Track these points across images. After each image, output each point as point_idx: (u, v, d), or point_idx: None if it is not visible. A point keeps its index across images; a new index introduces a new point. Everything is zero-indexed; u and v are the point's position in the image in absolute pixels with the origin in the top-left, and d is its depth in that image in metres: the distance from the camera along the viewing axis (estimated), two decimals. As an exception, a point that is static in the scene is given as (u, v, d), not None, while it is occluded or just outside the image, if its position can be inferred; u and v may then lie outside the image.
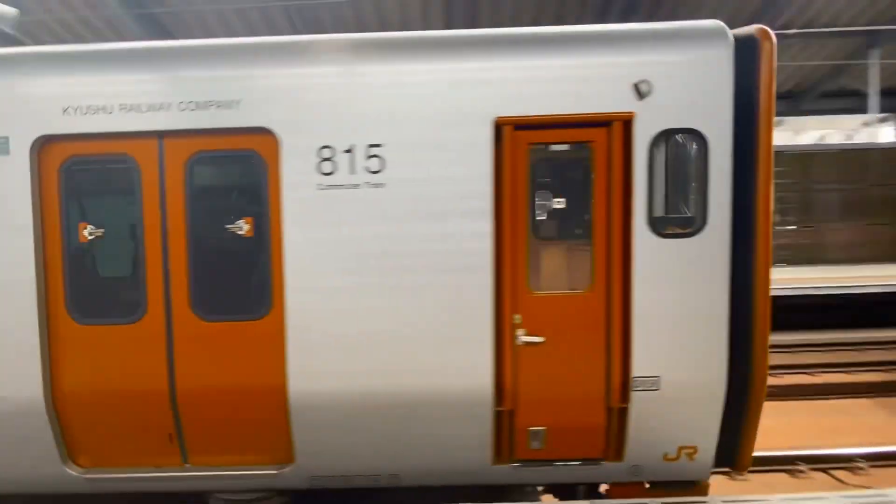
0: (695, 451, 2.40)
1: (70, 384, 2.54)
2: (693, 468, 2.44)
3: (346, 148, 2.37)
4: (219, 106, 2.38)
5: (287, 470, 2.58)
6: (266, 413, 2.50)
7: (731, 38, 2.32)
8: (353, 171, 2.38)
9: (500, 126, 2.34)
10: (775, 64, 2.27)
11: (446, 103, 2.38)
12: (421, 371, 2.45)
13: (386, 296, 2.43)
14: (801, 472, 4.19)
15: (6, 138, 2.35)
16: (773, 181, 2.26)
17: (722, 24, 2.40)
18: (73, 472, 2.60)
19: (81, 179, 2.59)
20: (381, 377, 2.47)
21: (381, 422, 2.50)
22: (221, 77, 2.42)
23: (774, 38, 2.29)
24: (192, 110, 2.38)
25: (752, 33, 2.31)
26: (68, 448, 2.60)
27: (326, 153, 2.38)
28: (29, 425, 2.48)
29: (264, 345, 2.47)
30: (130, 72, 2.49)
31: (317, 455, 2.58)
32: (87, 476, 2.62)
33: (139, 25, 10.04)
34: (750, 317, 2.25)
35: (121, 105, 2.38)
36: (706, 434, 2.36)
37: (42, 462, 2.58)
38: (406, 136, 2.38)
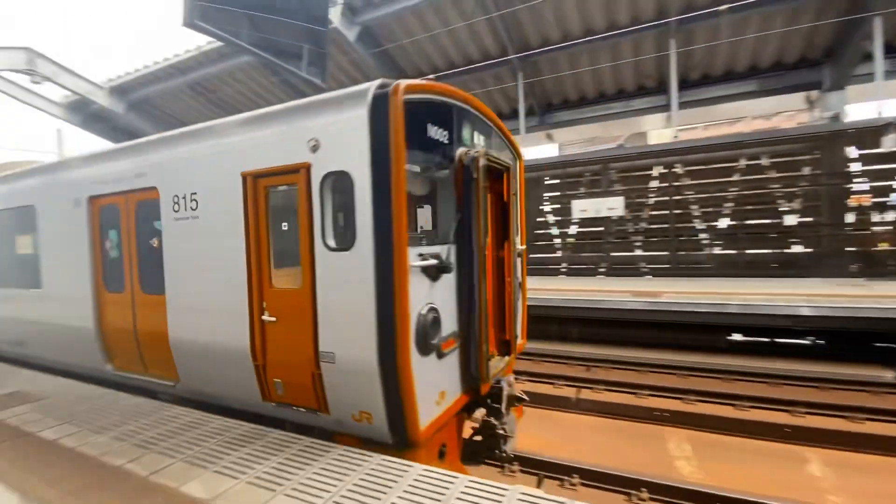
0: (371, 417, 3.03)
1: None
2: (375, 430, 3.06)
3: (183, 195, 3.85)
4: (137, 175, 4.24)
5: (178, 385, 4.17)
6: (164, 350, 4.09)
7: (370, 98, 2.92)
8: (185, 209, 3.84)
9: (245, 177, 3.46)
10: (401, 114, 2.83)
11: (220, 165, 3.62)
12: (223, 333, 3.65)
13: (203, 283, 3.80)
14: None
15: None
16: (405, 208, 2.87)
17: (372, 85, 2.98)
18: (111, 370, 4.71)
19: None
20: (208, 334, 3.76)
21: (211, 363, 3.80)
22: (138, 162, 4.30)
23: (402, 93, 2.86)
24: (134, 178, 4.29)
25: (387, 90, 2.90)
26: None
27: (175, 199, 3.89)
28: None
29: (160, 309, 4.04)
30: (113, 160, 4.62)
31: (185, 378, 4.08)
32: (117, 373, 4.68)
33: (376, 61, 11.91)
34: (391, 314, 2.84)
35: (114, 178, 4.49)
36: (375, 403, 2.97)
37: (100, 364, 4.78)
38: (206, 187, 3.72)
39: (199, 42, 12.81)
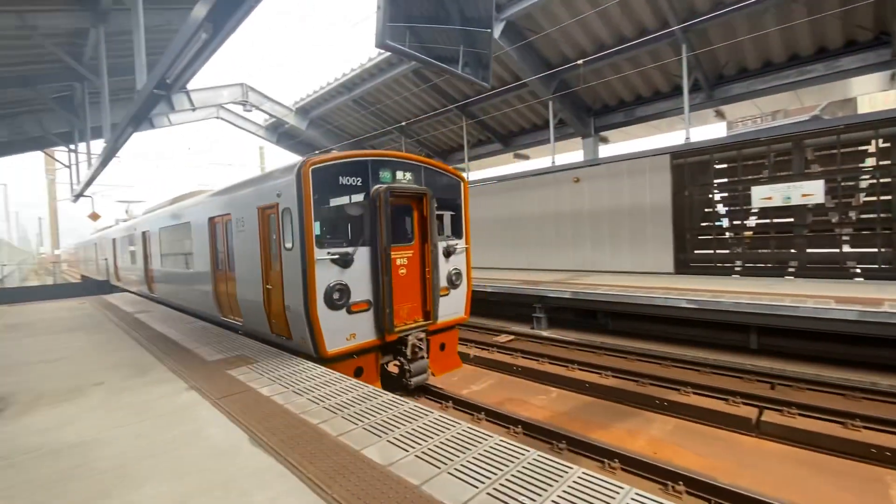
0: (306, 341, 5.15)
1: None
2: (308, 349, 5.23)
3: (237, 218, 6.58)
4: (223, 207, 7.17)
5: (243, 324, 6.80)
6: (236, 304, 6.91)
7: (296, 169, 5.06)
8: (239, 226, 6.51)
9: (257, 209, 5.91)
10: (308, 178, 4.98)
11: (249, 202, 6.11)
12: (253, 294, 6.12)
13: (245, 267, 6.35)
14: None
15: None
16: (312, 227, 4.96)
17: (299, 161, 5.21)
18: (219, 316, 7.69)
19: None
20: (248, 295, 6.35)
21: (250, 310, 6.36)
22: (225, 200, 7.15)
23: (309, 166, 5.01)
24: (222, 208, 7.23)
25: (301, 165, 5.06)
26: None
27: (236, 220, 6.62)
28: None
29: (233, 281, 6.86)
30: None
31: (244, 319, 6.75)
32: (222, 319, 7.54)
33: (518, 54, 11.69)
34: (307, 285, 5.04)
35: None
36: (305, 333, 5.14)
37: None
38: (244, 214, 6.32)
39: (361, 60, 14.51)
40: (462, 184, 7.09)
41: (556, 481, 2.41)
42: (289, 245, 5.24)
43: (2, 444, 3.26)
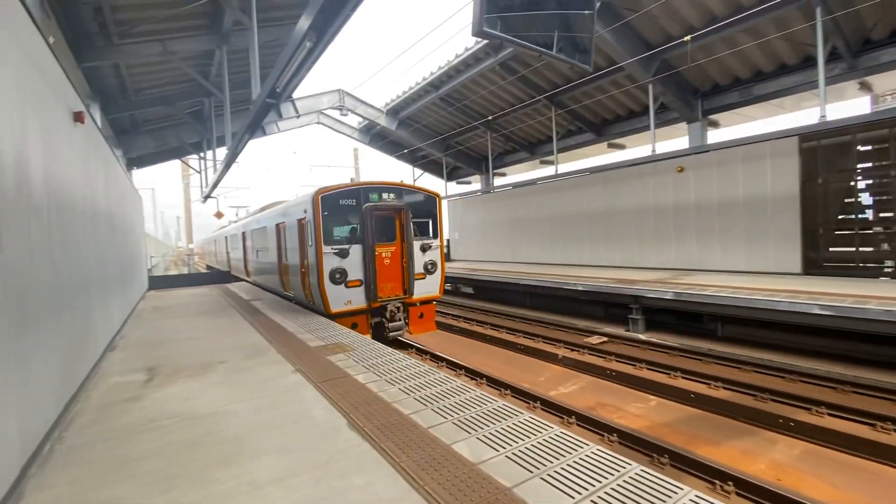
0: (321, 305, 8.25)
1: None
2: (321, 310, 8.38)
3: (289, 225, 9.85)
4: (282, 215, 10.62)
5: (293, 297, 10.04)
6: (288, 284, 10.50)
7: (312, 196, 8.18)
8: (289, 230, 9.80)
9: (298, 221, 9.13)
10: (319, 201, 8.00)
11: (294, 215, 9.31)
12: (295, 276, 9.43)
13: (292, 258, 9.67)
14: None
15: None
16: (321, 233, 8.04)
17: (314, 190, 8.35)
18: (282, 291, 11.07)
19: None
20: (293, 277, 9.72)
21: (294, 288, 9.79)
22: (283, 209, 10.63)
23: (319, 194, 8.04)
24: (282, 216, 10.48)
25: (314, 194, 8.14)
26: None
27: (288, 226, 9.82)
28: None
29: (287, 268, 10.24)
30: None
31: (293, 294, 10.08)
32: (284, 293, 10.95)
33: (614, 36, 10.74)
34: (319, 269, 8.10)
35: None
36: (319, 300, 8.31)
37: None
38: (292, 223, 9.52)
39: (448, 57, 14.64)
40: (437, 199, 9.67)
41: (664, 502, 2.19)
42: (310, 243, 8.30)
43: (152, 408, 3.84)
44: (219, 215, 24.48)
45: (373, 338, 7.47)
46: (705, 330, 9.04)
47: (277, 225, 10.70)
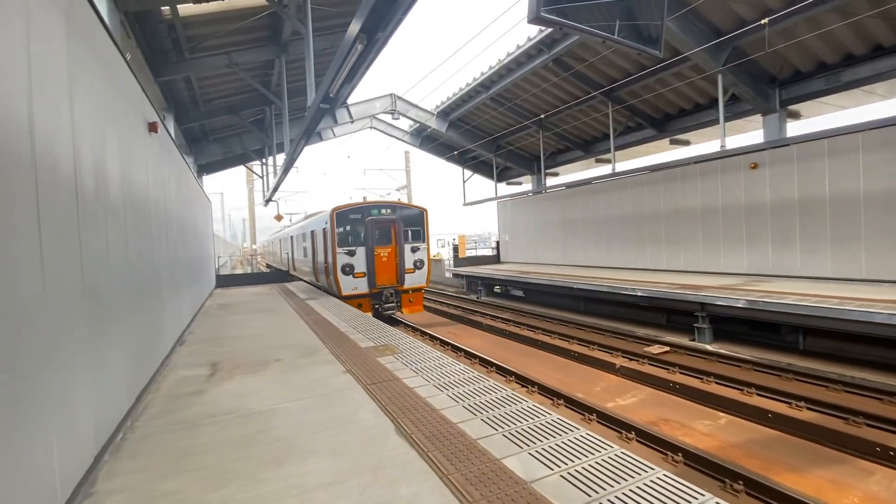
0: (337, 289, 11.73)
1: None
2: (336, 294, 11.96)
3: (321, 230, 12.85)
4: (319, 223, 13.46)
5: (319, 286, 13.95)
6: (321, 276, 13.41)
7: (329, 212, 11.85)
8: (323, 235, 12.70)
9: (322, 229, 12.81)
10: (334, 216, 11.61)
11: (322, 225, 12.76)
12: (326, 269, 12.35)
13: (323, 257, 12.64)
14: None
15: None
16: (336, 239, 11.69)
17: (330, 207, 12.27)
18: (314, 282, 14.77)
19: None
20: (324, 270, 12.70)
21: (325, 279, 12.63)
22: (322, 218, 13.17)
23: (335, 211, 11.67)
24: (318, 223, 13.60)
25: (331, 211, 11.82)
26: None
27: (322, 231, 12.81)
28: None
29: (320, 265, 13.29)
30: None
31: (322, 284, 13.40)
32: (317, 284, 14.53)
33: (678, 25, 10.24)
34: (334, 264, 11.76)
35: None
36: (334, 286, 12.00)
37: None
38: (320, 230, 12.90)
39: (499, 57, 14.45)
40: (424, 213, 12.74)
41: (747, 543, 1.91)
42: (329, 246, 11.69)
43: (212, 402, 4.01)
44: (278, 218, 25.79)
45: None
46: (784, 342, 8.20)
47: (313, 231, 14.17)
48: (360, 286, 11.45)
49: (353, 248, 11.43)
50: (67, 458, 2.35)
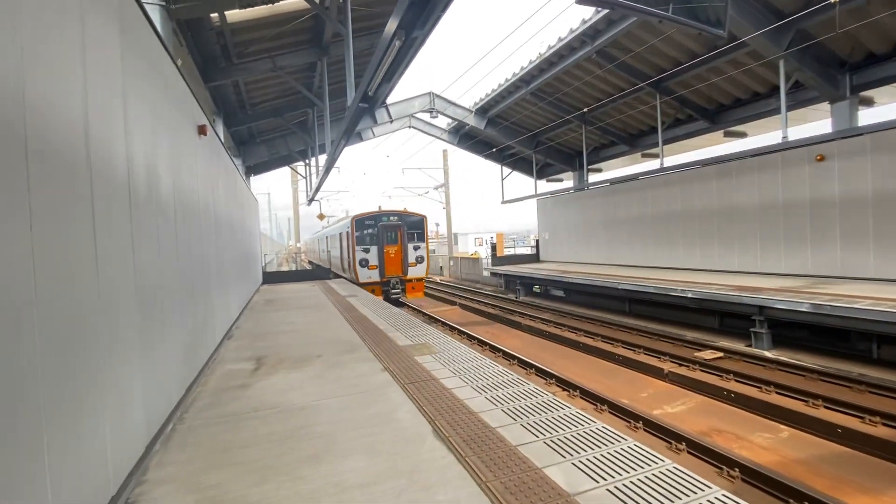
0: (354, 278, 16.47)
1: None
2: (354, 282, 16.42)
3: (343, 233, 17.94)
4: (344, 227, 18.37)
5: (339, 275, 19.07)
6: (342, 269, 19.00)
7: (350, 219, 16.94)
8: (345, 238, 17.37)
9: (345, 232, 17.44)
10: (353, 222, 16.28)
11: (344, 230, 17.92)
12: (348, 262, 17.19)
13: (345, 253, 17.90)
14: None
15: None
16: (354, 241, 16.40)
17: (350, 214, 19.27)
18: (339, 272, 19.40)
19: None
20: (346, 263, 17.68)
21: (346, 271, 17.92)
22: (346, 222, 18.00)
23: (354, 218, 16.47)
24: (343, 226, 18.75)
25: (351, 218, 16.95)
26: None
27: (344, 234, 17.60)
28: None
29: (344, 261, 18.14)
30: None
31: (342, 273, 18.84)
32: (340, 275, 18.92)
33: (734, 7, 11.19)
34: (352, 259, 16.57)
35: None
36: (353, 275, 16.70)
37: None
38: (344, 234, 17.94)
39: (540, 50, 14.09)
40: (424, 219, 16.84)
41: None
42: (350, 245, 15.88)
43: (256, 397, 4.12)
44: (321, 217, 26.54)
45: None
46: (855, 351, 7.50)
47: (339, 234, 18.55)
48: (373, 276, 15.70)
49: (369, 246, 15.77)
50: (120, 447, 2.45)
